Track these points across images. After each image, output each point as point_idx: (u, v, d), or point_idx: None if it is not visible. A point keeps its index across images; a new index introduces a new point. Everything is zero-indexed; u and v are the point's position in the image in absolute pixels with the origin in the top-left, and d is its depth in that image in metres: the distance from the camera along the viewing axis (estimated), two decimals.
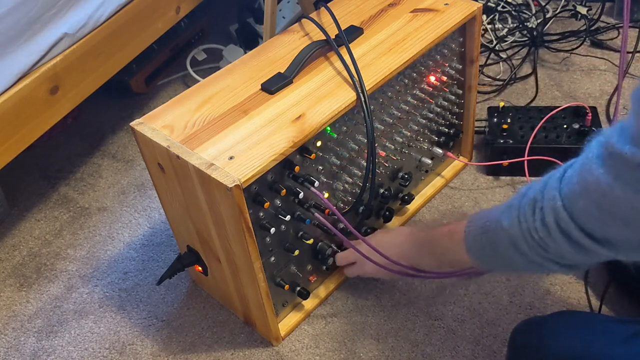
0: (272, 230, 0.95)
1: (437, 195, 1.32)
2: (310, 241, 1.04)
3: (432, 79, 1.15)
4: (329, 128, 0.99)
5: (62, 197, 1.45)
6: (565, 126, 1.32)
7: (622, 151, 0.60)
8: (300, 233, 1.03)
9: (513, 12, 1.74)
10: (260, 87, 1.02)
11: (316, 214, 0.99)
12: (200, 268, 1.11)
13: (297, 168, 0.95)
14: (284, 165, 0.94)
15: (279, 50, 1.11)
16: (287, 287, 1.05)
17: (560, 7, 1.76)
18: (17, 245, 1.34)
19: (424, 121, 1.20)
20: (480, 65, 1.60)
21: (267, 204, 0.92)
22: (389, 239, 1.04)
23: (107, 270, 1.27)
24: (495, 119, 1.36)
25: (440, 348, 1.06)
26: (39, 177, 1.51)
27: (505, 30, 1.72)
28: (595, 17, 1.69)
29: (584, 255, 0.69)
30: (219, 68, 1.44)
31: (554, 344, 0.84)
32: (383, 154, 1.13)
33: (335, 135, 1.01)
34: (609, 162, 0.62)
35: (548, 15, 1.73)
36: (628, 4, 1.21)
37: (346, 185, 1.07)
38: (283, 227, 1.00)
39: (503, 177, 1.34)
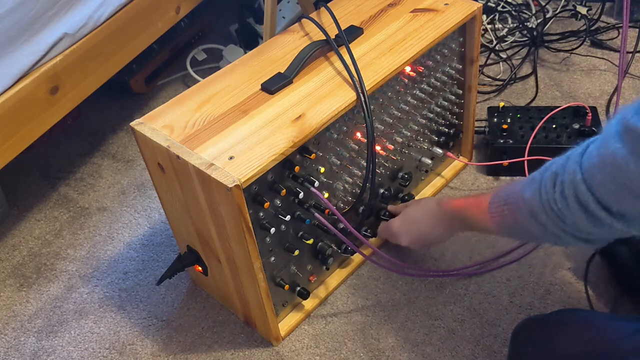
0: (272, 230, 0.95)
1: (437, 195, 1.32)
2: (310, 241, 1.04)
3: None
4: None
5: (62, 197, 1.45)
6: (565, 126, 1.32)
7: (637, 127, 0.62)
8: (300, 233, 1.03)
9: (513, 12, 1.74)
10: (260, 87, 1.02)
11: (316, 214, 0.99)
12: (200, 268, 1.11)
13: (297, 168, 0.95)
14: (284, 165, 0.94)
15: (279, 50, 1.11)
16: (287, 287, 1.05)
17: (560, 7, 1.76)
18: (17, 245, 1.34)
19: (424, 121, 1.20)
20: (480, 65, 1.60)
21: (267, 204, 0.92)
22: (419, 210, 1.07)
23: (107, 270, 1.27)
24: (495, 119, 1.36)
25: (440, 348, 1.06)
26: (39, 177, 1.51)
27: (505, 30, 1.72)
28: (595, 17, 1.69)
29: (599, 228, 0.71)
30: (219, 68, 1.44)
31: (556, 341, 0.84)
32: (384, 151, 1.13)
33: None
34: (625, 136, 0.65)
35: (548, 15, 1.73)
36: (628, 4, 1.21)
37: (346, 185, 1.07)
38: (283, 227, 1.00)
39: (503, 177, 1.34)
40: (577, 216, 0.72)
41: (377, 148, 1.13)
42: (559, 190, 0.73)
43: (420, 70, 1.13)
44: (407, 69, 1.11)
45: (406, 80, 1.11)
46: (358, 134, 1.05)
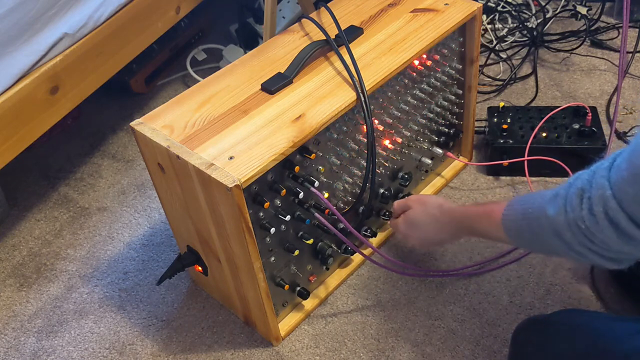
0: (272, 230, 0.95)
1: (438, 194, 1.32)
2: (310, 241, 1.04)
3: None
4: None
5: (62, 197, 1.45)
6: (565, 126, 1.32)
7: None
8: (300, 233, 1.03)
9: (513, 12, 1.74)
10: (260, 87, 1.02)
11: (316, 214, 0.99)
12: (200, 268, 1.11)
13: (297, 168, 0.94)
14: (284, 165, 0.94)
15: (279, 50, 1.11)
16: (287, 287, 1.05)
17: (560, 7, 1.76)
18: (17, 245, 1.34)
19: (424, 121, 1.20)
20: (480, 65, 1.60)
21: (267, 204, 0.92)
22: (422, 216, 1.04)
23: (107, 270, 1.27)
24: (495, 119, 1.36)
25: (440, 348, 1.06)
26: (39, 177, 1.51)
27: (505, 30, 1.72)
28: (595, 17, 1.69)
29: (631, 247, 0.69)
30: (219, 68, 1.44)
31: (557, 342, 0.84)
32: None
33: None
34: None
35: (548, 15, 1.73)
36: (628, 4, 1.21)
37: (346, 185, 1.07)
38: (283, 227, 1.00)
39: (503, 177, 1.34)
40: (607, 235, 0.68)
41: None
42: (586, 207, 0.69)
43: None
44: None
45: (406, 80, 1.12)
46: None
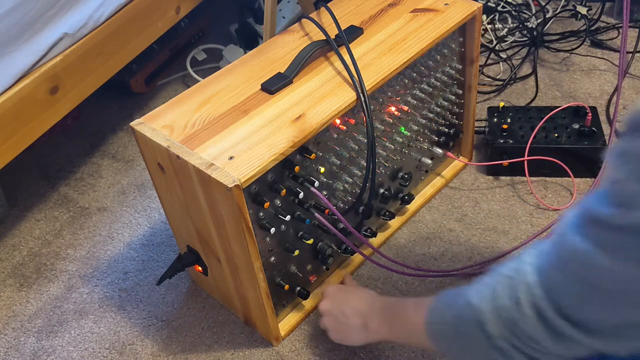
0: (272, 230, 0.95)
1: (437, 195, 1.32)
2: (310, 241, 1.04)
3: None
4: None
5: (62, 197, 1.45)
6: (565, 126, 1.32)
7: (602, 213, 0.55)
8: (300, 233, 1.03)
9: (513, 12, 1.74)
10: (260, 87, 1.02)
11: (316, 214, 0.99)
12: (200, 268, 1.11)
13: (297, 168, 0.95)
14: (284, 165, 0.94)
15: (279, 50, 1.11)
16: (287, 287, 1.05)
17: (560, 7, 1.76)
18: (17, 245, 1.34)
19: (424, 121, 1.20)
20: (480, 65, 1.60)
21: (267, 204, 0.92)
22: (347, 323, 0.96)
23: (107, 270, 1.27)
24: (495, 119, 1.36)
25: None
26: (39, 177, 1.51)
27: (505, 30, 1.72)
28: (595, 17, 1.69)
29: (560, 345, 0.61)
30: (219, 68, 1.44)
31: None
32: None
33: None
34: (588, 229, 0.57)
35: (548, 15, 1.73)
36: (628, 4, 1.21)
37: (346, 185, 1.07)
38: (283, 227, 1.00)
39: (503, 177, 1.34)
40: (533, 328, 0.61)
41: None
42: (513, 296, 0.63)
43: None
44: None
45: (406, 80, 1.12)
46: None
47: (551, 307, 0.60)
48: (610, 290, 0.57)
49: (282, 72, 1.04)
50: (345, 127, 1.01)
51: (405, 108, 1.12)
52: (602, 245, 0.55)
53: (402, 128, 1.12)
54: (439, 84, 1.18)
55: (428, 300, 0.80)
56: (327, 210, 0.99)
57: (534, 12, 1.75)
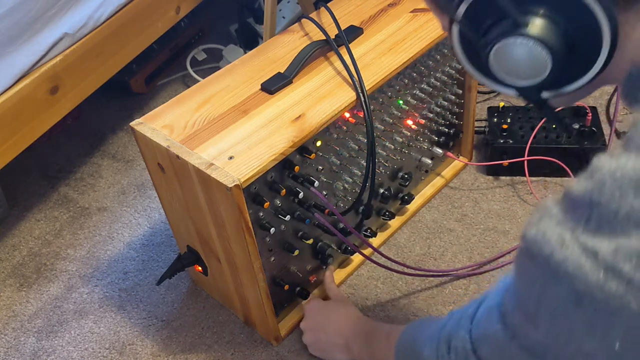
0: (272, 230, 0.95)
1: (437, 195, 1.32)
2: (310, 241, 1.04)
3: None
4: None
5: (62, 197, 1.45)
6: (565, 126, 1.32)
7: (517, 322, 0.58)
8: (300, 233, 1.03)
9: None
10: (260, 87, 1.02)
11: (316, 214, 0.99)
12: (200, 268, 1.11)
13: (297, 168, 0.94)
14: (284, 165, 0.94)
15: (279, 50, 1.11)
16: (287, 287, 1.05)
17: None
18: (17, 245, 1.34)
19: (424, 121, 1.20)
20: None
21: (267, 204, 0.92)
22: (332, 324, 1.01)
23: (107, 270, 1.27)
24: (495, 119, 1.36)
25: None
26: (39, 177, 1.51)
27: None
28: None
29: None
30: (219, 68, 1.44)
31: None
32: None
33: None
34: (507, 320, 0.60)
35: None
36: None
37: (346, 185, 1.07)
38: (283, 227, 1.00)
39: (503, 177, 1.34)
40: None
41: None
42: (453, 356, 0.66)
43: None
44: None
45: (406, 80, 1.12)
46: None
47: None
48: None
49: (282, 72, 1.04)
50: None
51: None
52: (518, 337, 0.58)
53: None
54: (439, 83, 1.18)
55: (399, 330, 0.85)
56: (327, 210, 0.99)
57: None
